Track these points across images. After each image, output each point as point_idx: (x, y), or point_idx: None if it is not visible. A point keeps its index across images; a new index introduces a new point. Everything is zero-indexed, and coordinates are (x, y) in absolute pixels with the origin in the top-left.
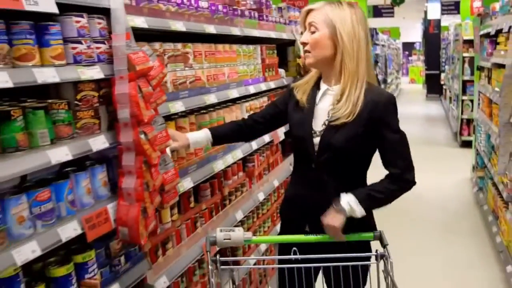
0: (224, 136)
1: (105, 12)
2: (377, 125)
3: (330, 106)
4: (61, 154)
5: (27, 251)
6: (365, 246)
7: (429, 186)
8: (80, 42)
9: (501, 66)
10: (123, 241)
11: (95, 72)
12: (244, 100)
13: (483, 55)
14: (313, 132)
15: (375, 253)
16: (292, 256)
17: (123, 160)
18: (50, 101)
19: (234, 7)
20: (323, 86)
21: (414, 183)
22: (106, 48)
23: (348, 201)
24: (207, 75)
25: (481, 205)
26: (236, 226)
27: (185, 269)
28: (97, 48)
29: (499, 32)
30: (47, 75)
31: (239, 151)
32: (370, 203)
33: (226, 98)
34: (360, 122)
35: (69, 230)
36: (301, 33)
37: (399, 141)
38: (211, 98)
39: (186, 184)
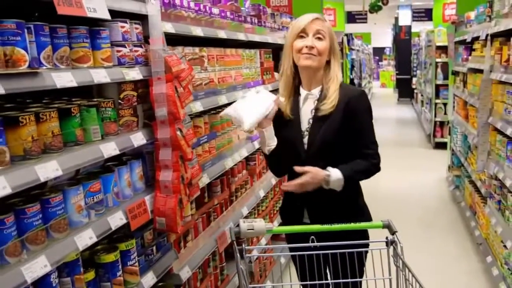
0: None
1: (140, 18)
2: (354, 114)
3: (313, 106)
4: (110, 148)
5: (86, 237)
6: (364, 234)
7: (406, 185)
8: (124, 46)
9: (477, 71)
10: (160, 230)
11: (136, 73)
12: None
13: (458, 60)
14: (302, 132)
15: (386, 240)
16: (309, 244)
17: (160, 155)
18: (99, 99)
19: (239, 13)
20: (303, 92)
21: (379, 165)
22: (143, 52)
23: (337, 176)
24: (218, 77)
25: (459, 202)
26: None
27: (203, 261)
28: (136, 51)
29: (475, 39)
30: (100, 76)
31: (244, 150)
32: (350, 180)
33: (234, 99)
34: (339, 114)
35: (116, 219)
36: (301, 37)
37: (371, 127)
38: (223, 99)
39: (204, 179)
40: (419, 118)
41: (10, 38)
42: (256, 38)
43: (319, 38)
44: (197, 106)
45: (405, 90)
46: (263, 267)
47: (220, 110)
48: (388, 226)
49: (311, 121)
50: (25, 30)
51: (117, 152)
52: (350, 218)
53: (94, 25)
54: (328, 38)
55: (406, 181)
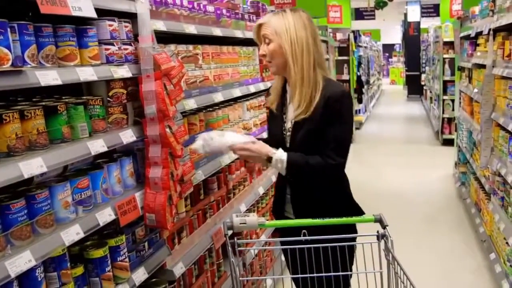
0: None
1: (130, 16)
2: (332, 116)
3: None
4: (98, 145)
5: (73, 233)
6: (353, 228)
7: (413, 181)
8: (112, 44)
9: (481, 66)
10: (150, 226)
11: (125, 71)
12: (245, 99)
13: (464, 56)
14: (283, 131)
15: (377, 234)
16: (301, 238)
17: (150, 151)
18: (87, 97)
19: (236, 11)
20: (289, 90)
21: (337, 168)
22: (132, 50)
23: (281, 156)
24: (214, 75)
25: (464, 199)
26: None
27: (198, 257)
28: (125, 49)
29: (479, 34)
30: (87, 74)
31: None
32: (296, 168)
33: (230, 96)
34: (318, 116)
35: (105, 216)
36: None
37: (344, 129)
38: (218, 97)
39: (198, 176)
40: (428, 115)
41: None
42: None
43: (268, 43)
44: (191, 104)
45: (414, 87)
46: (264, 264)
47: (216, 107)
48: (379, 220)
49: (293, 121)
50: (8, 29)
51: (105, 149)
52: (336, 214)
53: (82, 24)
54: (275, 39)
55: (413, 177)
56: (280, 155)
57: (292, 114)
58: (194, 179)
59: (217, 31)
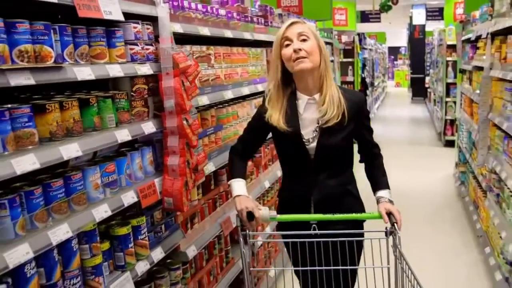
0: (245, 172)
1: (150, 20)
2: (360, 118)
3: (317, 114)
4: (123, 135)
5: (102, 211)
6: (360, 224)
7: (415, 181)
8: (136, 44)
9: (481, 68)
10: (168, 209)
11: (147, 69)
12: (253, 97)
13: (465, 59)
14: (304, 141)
15: (385, 230)
16: (311, 232)
17: (168, 142)
18: (114, 91)
19: (246, 14)
20: (303, 97)
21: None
22: (153, 49)
23: (386, 193)
24: (225, 74)
25: (463, 197)
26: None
27: (208, 242)
28: (147, 49)
29: (479, 37)
30: (115, 70)
31: None
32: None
33: (240, 94)
34: (347, 120)
35: (128, 198)
36: (286, 45)
37: (371, 128)
38: (229, 94)
39: (210, 167)
40: (432, 117)
41: (39, 37)
42: (262, 37)
43: (304, 40)
44: (204, 100)
45: (419, 89)
46: (268, 254)
47: (226, 104)
48: (388, 217)
49: (317, 129)
50: (51, 31)
51: (129, 138)
52: (351, 210)
53: (110, 26)
54: (312, 38)
55: (415, 178)
56: (386, 193)
57: (313, 123)
58: (206, 169)
59: (228, 33)
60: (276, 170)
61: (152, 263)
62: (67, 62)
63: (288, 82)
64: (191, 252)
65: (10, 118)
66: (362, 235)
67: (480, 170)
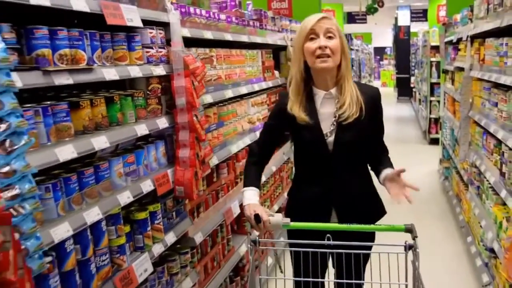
0: (259, 180)
1: (162, 25)
2: (376, 113)
3: (334, 109)
4: (142, 129)
5: (125, 197)
6: (371, 236)
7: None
8: (151, 48)
9: (462, 69)
10: (179, 197)
11: (160, 70)
12: (250, 96)
13: (448, 59)
14: (323, 134)
15: (404, 244)
16: (324, 242)
17: (180, 136)
18: (133, 91)
19: (243, 18)
20: (320, 93)
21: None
22: (165, 52)
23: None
24: (225, 74)
25: (447, 191)
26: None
27: (212, 230)
28: (160, 52)
29: (460, 40)
30: (135, 71)
31: (247, 138)
32: None
33: (238, 93)
34: (365, 115)
35: (146, 186)
36: (311, 39)
37: (383, 127)
38: (229, 93)
39: (214, 160)
40: (417, 116)
41: (74, 42)
42: (258, 39)
43: (330, 37)
44: (208, 99)
45: (404, 89)
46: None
47: (226, 103)
48: (410, 231)
49: (335, 123)
50: (84, 36)
51: (147, 132)
52: (374, 217)
53: (129, 31)
54: (337, 36)
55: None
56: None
57: (330, 117)
58: (211, 162)
59: (228, 36)
60: (271, 166)
61: (166, 246)
62: (96, 64)
63: (306, 76)
64: (198, 238)
65: (52, 113)
66: (377, 246)
67: (462, 164)
